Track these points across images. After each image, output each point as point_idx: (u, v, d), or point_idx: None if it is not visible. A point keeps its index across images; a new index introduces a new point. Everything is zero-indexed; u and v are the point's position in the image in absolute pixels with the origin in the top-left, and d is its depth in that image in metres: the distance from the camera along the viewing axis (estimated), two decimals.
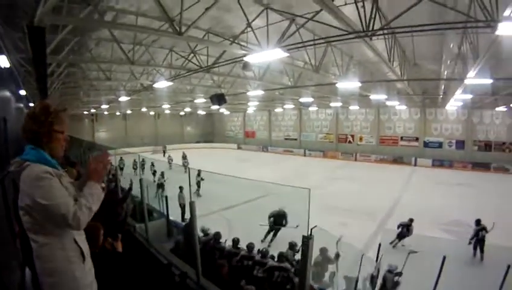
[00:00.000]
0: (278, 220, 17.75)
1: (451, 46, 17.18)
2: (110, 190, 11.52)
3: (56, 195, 2.73)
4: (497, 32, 8.61)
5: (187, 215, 20.23)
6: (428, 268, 10.16)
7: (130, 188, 12.12)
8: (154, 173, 32.27)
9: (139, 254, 8.90)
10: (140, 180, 10.75)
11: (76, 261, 2.95)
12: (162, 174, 28.45)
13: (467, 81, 17.89)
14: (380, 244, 10.41)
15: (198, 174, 27.30)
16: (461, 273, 13.76)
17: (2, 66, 11.90)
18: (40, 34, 8.28)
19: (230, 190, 26.50)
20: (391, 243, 17.09)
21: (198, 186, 27.95)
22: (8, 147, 12.31)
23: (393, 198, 26.87)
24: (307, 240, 5.07)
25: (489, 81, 18.05)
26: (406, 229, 17.02)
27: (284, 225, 17.20)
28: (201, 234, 12.64)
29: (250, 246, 11.68)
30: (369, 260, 10.50)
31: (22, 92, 20.58)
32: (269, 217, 17.82)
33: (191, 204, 7.05)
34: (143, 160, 29.69)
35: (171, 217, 16.43)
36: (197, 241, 7.44)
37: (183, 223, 17.77)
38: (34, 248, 2.83)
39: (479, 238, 15.86)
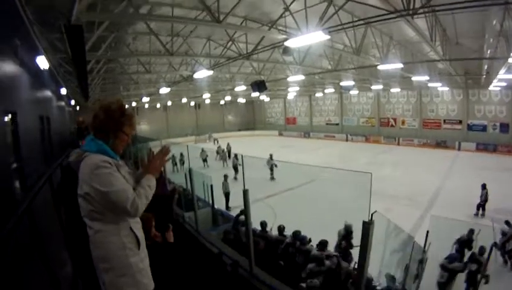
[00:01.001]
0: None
1: (494, 23, 16.71)
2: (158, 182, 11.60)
3: (115, 183, 2.81)
4: None
5: (231, 204, 20.45)
6: None
7: (174, 190, 12.20)
8: (204, 159, 34.33)
9: (189, 243, 8.94)
10: (190, 170, 10.79)
11: (132, 247, 3.01)
12: (236, 156, 28.46)
13: (510, 60, 17.18)
14: (427, 232, 10.13)
15: (236, 157, 27.85)
16: None
17: (42, 68, 12.11)
18: (78, 32, 8.35)
19: (276, 175, 26.55)
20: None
21: (236, 170, 28.31)
22: (52, 144, 12.53)
23: (437, 184, 26.45)
24: (367, 225, 4.97)
25: None
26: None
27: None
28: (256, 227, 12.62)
29: (295, 234, 11.53)
30: (417, 247, 10.29)
31: (63, 91, 20.97)
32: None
33: (245, 192, 7.02)
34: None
35: (215, 206, 16.53)
36: (250, 231, 7.42)
37: (229, 212, 17.92)
38: (90, 234, 2.92)
39: None
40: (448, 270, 10.70)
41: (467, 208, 19.39)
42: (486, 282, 10.34)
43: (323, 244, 10.76)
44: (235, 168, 28.80)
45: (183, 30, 18.45)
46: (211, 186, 16.95)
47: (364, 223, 4.95)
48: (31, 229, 4.14)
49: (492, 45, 20.58)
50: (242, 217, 10.22)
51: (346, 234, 12.14)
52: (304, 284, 8.11)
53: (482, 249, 11.35)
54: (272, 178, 28.79)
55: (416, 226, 17.41)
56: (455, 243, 13.25)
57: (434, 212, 17.58)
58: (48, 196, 6.00)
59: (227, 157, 37.39)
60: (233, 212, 15.90)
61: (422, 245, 10.12)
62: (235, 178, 26.89)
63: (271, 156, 29.27)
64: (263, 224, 12.70)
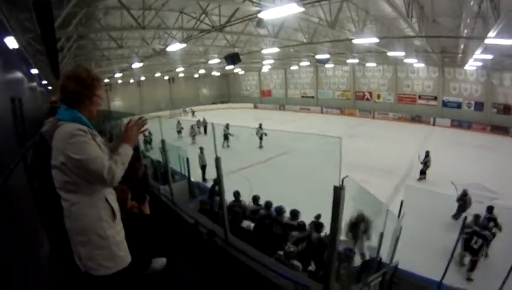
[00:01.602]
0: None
1: (472, 3, 16.79)
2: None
3: (91, 150, 2.77)
4: None
5: (207, 176, 20.58)
6: None
7: (137, 147, 12.09)
8: (179, 131, 35.00)
9: (166, 215, 8.93)
10: (162, 141, 10.70)
11: (108, 219, 2.98)
12: (227, 125, 29.25)
13: (486, 41, 17.35)
14: (402, 201, 10.23)
15: (227, 127, 28.73)
16: None
17: (11, 47, 11.89)
18: (46, 9, 8.18)
19: (250, 147, 26.65)
20: (454, 215, 16.05)
21: (226, 138, 30.22)
22: (25, 125, 12.35)
23: (412, 157, 26.79)
24: (338, 190, 4.95)
25: (510, 42, 17.33)
26: (463, 202, 16.06)
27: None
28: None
29: (268, 204, 11.63)
30: (392, 216, 10.41)
31: (34, 71, 20.67)
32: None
33: (217, 160, 6.95)
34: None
35: (192, 179, 16.54)
36: (224, 199, 7.41)
37: (205, 183, 17.98)
38: (65, 207, 2.87)
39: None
40: (481, 236, 11.76)
41: (440, 180, 19.78)
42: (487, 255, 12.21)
43: (294, 214, 10.90)
44: (225, 137, 30.24)
45: (155, 3, 18.22)
46: (187, 159, 16.96)
47: (335, 188, 4.93)
48: (8, 209, 4.13)
49: (470, 25, 20.66)
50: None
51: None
52: (281, 252, 8.15)
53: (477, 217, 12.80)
54: (261, 146, 30.29)
55: (392, 196, 17.63)
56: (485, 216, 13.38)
57: (409, 183, 17.97)
58: (22, 175, 5.96)
59: (204, 132, 37.66)
60: (210, 184, 15.96)
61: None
62: (228, 146, 29.69)
63: (260, 125, 30.87)
64: (236, 194, 12.65)
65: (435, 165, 22.43)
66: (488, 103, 44.67)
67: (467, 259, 12.15)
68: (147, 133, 17.20)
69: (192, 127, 36.67)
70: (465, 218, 11.99)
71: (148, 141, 27.29)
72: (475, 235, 11.96)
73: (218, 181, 7.33)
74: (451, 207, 15.91)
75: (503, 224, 12.82)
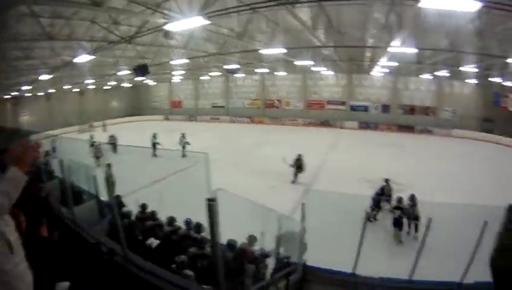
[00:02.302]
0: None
1: (376, 16, 17.48)
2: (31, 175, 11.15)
3: None
4: (420, 4, 8.84)
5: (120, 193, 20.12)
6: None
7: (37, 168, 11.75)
8: (92, 144, 31.40)
9: (68, 237, 8.68)
10: (60, 161, 10.38)
11: (5, 254, 2.77)
12: (155, 135, 32.82)
13: (390, 50, 18.57)
14: (303, 204, 10.44)
15: (154, 137, 32.31)
16: None
17: None
18: None
19: (162, 161, 26.44)
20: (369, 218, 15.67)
21: (154, 147, 31.72)
22: None
23: (321, 159, 27.47)
24: (211, 202, 4.93)
25: (413, 50, 19.10)
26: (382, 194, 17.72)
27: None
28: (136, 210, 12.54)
29: (171, 220, 11.93)
30: (294, 220, 10.64)
31: None
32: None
33: (107, 167, 6.83)
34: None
35: (102, 198, 16.15)
36: (116, 213, 7.29)
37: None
38: None
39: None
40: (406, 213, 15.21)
41: (351, 178, 20.40)
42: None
43: (198, 226, 10.97)
44: (154, 146, 32.25)
45: (65, 12, 17.69)
46: (94, 177, 16.48)
47: (208, 200, 4.91)
48: None
49: (376, 35, 21.76)
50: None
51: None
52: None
53: (400, 200, 15.54)
54: (184, 155, 31.85)
55: (301, 201, 17.83)
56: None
57: (317, 187, 18.37)
58: None
59: (114, 150, 33.69)
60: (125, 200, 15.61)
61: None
62: (155, 155, 30.24)
63: (183, 134, 33.96)
64: (143, 207, 13.21)
65: (342, 164, 23.11)
66: (394, 105, 49.24)
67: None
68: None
69: (93, 145, 31.26)
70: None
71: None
72: (401, 212, 15.15)
73: (109, 193, 7.20)
74: (358, 205, 16.54)
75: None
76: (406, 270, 8.83)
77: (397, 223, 15.19)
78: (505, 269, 2.32)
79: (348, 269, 9.17)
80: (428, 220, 8.25)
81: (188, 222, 11.47)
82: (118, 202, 8.02)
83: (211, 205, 4.88)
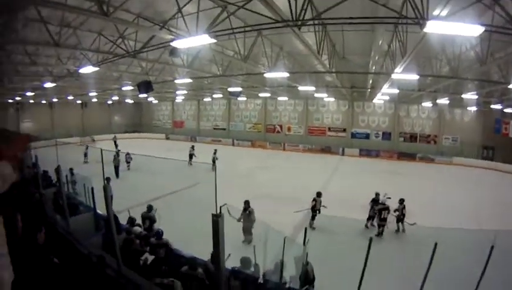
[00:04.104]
0: None
1: (380, 42, 17.60)
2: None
3: None
4: (425, 30, 8.88)
5: (114, 208, 19.86)
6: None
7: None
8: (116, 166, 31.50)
9: (61, 246, 8.63)
10: (57, 168, 10.35)
11: None
12: (193, 147, 38.43)
13: (393, 76, 18.61)
14: (306, 228, 10.39)
15: (192, 148, 37.52)
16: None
17: None
18: None
19: (162, 178, 26.34)
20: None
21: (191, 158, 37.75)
22: None
23: (321, 185, 27.33)
24: (216, 218, 4.93)
25: (415, 77, 19.04)
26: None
27: None
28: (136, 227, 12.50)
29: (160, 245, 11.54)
30: (297, 244, 10.55)
31: None
32: None
33: (105, 188, 6.82)
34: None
35: (99, 211, 16.01)
36: (113, 227, 7.27)
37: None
38: None
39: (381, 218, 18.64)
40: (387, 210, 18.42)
41: (351, 204, 20.78)
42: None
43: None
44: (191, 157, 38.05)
45: (74, 21, 17.72)
46: (92, 189, 16.27)
47: (213, 215, 4.91)
48: None
49: (379, 62, 22.04)
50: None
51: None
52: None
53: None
54: (190, 164, 37.10)
55: (303, 225, 17.72)
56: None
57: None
58: None
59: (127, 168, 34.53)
60: (121, 216, 15.44)
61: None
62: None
63: (193, 146, 39.97)
64: (131, 220, 13.26)
65: (342, 190, 23.16)
66: (395, 132, 49.90)
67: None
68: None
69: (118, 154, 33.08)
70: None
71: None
72: (383, 209, 18.44)
73: (106, 208, 7.20)
74: (358, 229, 18.19)
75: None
76: None
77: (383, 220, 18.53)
78: None
79: None
80: (435, 244, 8.21)
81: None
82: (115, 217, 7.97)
83: (215, 221, 4.91)
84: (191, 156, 38.21)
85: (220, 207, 5.07)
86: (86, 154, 38.35)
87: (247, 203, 16.84)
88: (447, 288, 10.82)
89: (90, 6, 13.04)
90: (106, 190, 6.82)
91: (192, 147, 40.27)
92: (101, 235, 12.18)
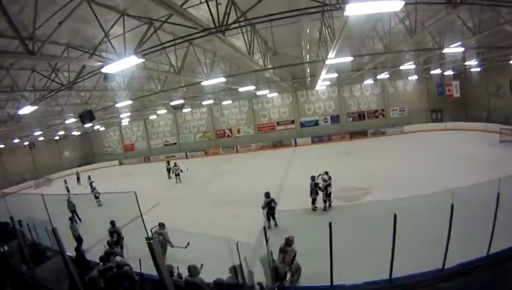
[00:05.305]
0: None
1: (308, 32, 17.90)
2: None
3: None
4: (346, 13, 9.10)
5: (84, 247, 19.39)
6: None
7: None
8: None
9: None
10: (11, 218, 10.24)
11: None
12: (175, 163, 38.36)
13: (328, 62, 18.68)
14: (264, 227, 10.52)
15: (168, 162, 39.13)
16: None
17: None
18: None
19: (122, 205, 26.17)
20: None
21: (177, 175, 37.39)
22: None
23: (278, 180, 27.70)
24: (149, 240, 5.03)
25: (349, 58, 19.06)
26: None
27: None
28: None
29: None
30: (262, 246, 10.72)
31: None
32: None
33: (71, 227, 6.85)
34: None
35: (68, 253, 15.63)
36: (71, 270, 7.31)
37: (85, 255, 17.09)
38: None
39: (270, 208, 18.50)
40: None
41: (308, 194, 20.61)
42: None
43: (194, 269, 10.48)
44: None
45: (5, 62, 17.36)
46: (53, 229, 15.54)
47: (146, 239, 5.01)
48: None
49: (313, 50, 22.81)
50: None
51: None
52: None
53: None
54: (179, 181, 37.10)
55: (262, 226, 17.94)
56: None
57: (280, 207, 18.52)
58: None
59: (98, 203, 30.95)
60: (91, 254, 15.03)
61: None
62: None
63: (175, 163, 38.99)
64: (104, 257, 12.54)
65: (300, 181, 23.35)
66: (343, 114, 51.71)
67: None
68: None
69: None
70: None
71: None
72: (328, 186, 19.97)
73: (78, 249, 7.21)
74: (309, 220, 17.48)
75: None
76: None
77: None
78: None
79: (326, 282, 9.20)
80: (394, 216, 8.35)
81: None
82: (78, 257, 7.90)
83: (149, 244, 5.00)
84: (177, 174, 37.39)
85: (151, 230, 5.19)
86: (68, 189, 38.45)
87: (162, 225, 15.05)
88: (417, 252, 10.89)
89: (17, 47, 12.89)
90: (73, 230, 6.86)
91: (168, 162, 41.44)
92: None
